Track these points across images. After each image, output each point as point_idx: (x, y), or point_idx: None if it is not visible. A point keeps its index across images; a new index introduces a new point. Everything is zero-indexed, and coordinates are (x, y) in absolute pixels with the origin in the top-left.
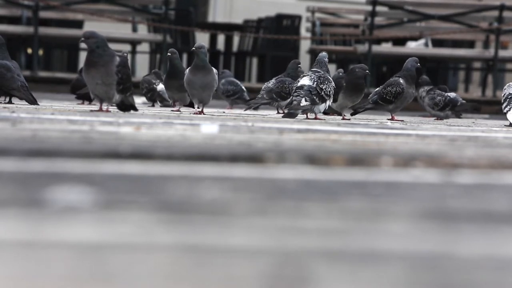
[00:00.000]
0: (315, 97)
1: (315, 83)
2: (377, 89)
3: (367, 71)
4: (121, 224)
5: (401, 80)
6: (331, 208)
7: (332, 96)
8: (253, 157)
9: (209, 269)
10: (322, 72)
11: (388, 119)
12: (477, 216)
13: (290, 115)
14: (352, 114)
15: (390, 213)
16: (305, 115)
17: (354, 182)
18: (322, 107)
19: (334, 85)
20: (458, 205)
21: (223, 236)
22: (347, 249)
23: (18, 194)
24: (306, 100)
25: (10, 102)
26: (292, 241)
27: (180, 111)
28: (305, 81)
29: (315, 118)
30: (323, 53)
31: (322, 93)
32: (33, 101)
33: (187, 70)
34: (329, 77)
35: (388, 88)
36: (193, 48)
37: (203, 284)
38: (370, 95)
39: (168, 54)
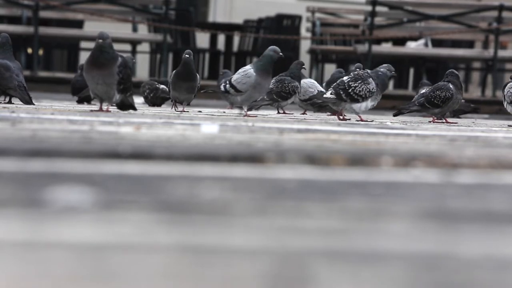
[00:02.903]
0: (341, 92)
1: (349, 79)
2: (423, 91)
3: (358, 69)
4: (121, 224)
5: (451, 86)
6: (331, 208)
7: (367, 97)
8: (253, 157)
9: (209, 269)
10: (366, 73)
11: (430, 121)
12: (477, 216)
13: (311, 102)
14: (395, 115)
15: (390, 213)
16: (337, 116)
17: (354, 182)
18: (357, 106)
19: (371, 88)
20: (458, 205)
21: (223, 236)
22: (347, 249)
23: (18, 194)
24: (331, 93)
25: (10, 102)
26: (292, 241)
27: (185, 111)
28: (345, 77)
29: (343, 119)
30: (386, 65)
31: (351, 90)
32: (28, 101)
33: (253, 73)
34: (370, 80)
35: (437, 92)
36: (280, 54)
37: (203, 284)
38: (416, 97)
39: (187, 56)
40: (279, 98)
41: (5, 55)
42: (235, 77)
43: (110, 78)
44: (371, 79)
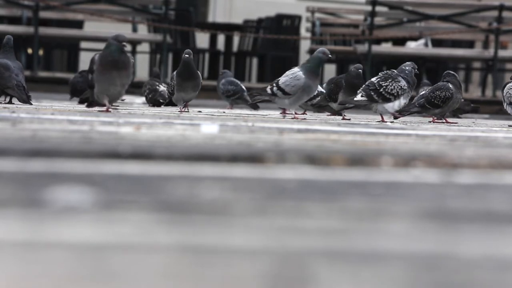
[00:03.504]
0: (372, 93)
1: (378, 79)
2: (423, 92)
3: (360, 70)
4: (121, 224)
5: (450, 85)
6: (331, 208)
7: (400, 95)
8: (253, 157)
9: (209, 269)
10: (395, 72)
11: (430, 121)
12: (477, 216)
13: (342, 108)
14: (395, 118)
15: (390, 213)
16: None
17: (354, 182)
18: (389, 106)
19: (403, 85)
20: (458, 205)
21: (223, 236)
22: (347, 249)
23: (18, 194)
24: (362, 96)
25: (10, 102)
26: (292, 241)
27: (186, 110)
28: (372, 78)
29: (381, 120)
30: (410, 62)
31: (382, 90)
32: (25, 101)
33: (302, 75)
34: (400, 78)
35: (437, 92)
36: (330, 56)
37: (203, 284)
38: (416, 98)
39: (186, 56)
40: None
41: (6, 55)
42: (282, 79)
43: (126, 79)
44: (400, 77)
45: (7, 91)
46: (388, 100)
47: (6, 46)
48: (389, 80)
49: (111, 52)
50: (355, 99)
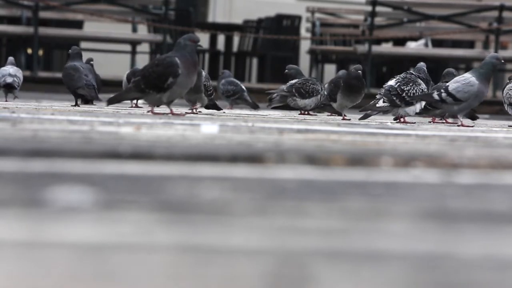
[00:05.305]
0: (394, 98)
1: (398, 84)
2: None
3: (359, 71)
4: (121, 224)
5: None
6: (331, 208)
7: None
8: (253, 157)
9: (209, 269)
10: (413, 75)
11: (429, 121)
12: (477, 216)
13: (365, 116)
14: (395, 119)
15: (390, 213)
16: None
17: (354, 182)
18: (411, 110)
19: (424, 88)
20: (458, 205)
21: (223, 236)
22: (347, 249)
23: (18, 194)
24: (384, 101)
25: (76, 104)
26: (292, 241)
27: (199, 111)
28: (390, 82)
29: (403, 122)
30: (421, 63)
31: (404, 94)
32: (94, 97)
33: (475, 81)
34: (419, 81)
35: None
36: (502, 61)
37: (203, 284)
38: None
39: None
40: (297, 93)
41: (74, 60)
42: (453, 85)
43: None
44: (419, 79)
45: (78, 91)
46: (410, 104)
47: (73, 54)
48: (410, 84)
49: (194, 53)
50: (377, 105)
